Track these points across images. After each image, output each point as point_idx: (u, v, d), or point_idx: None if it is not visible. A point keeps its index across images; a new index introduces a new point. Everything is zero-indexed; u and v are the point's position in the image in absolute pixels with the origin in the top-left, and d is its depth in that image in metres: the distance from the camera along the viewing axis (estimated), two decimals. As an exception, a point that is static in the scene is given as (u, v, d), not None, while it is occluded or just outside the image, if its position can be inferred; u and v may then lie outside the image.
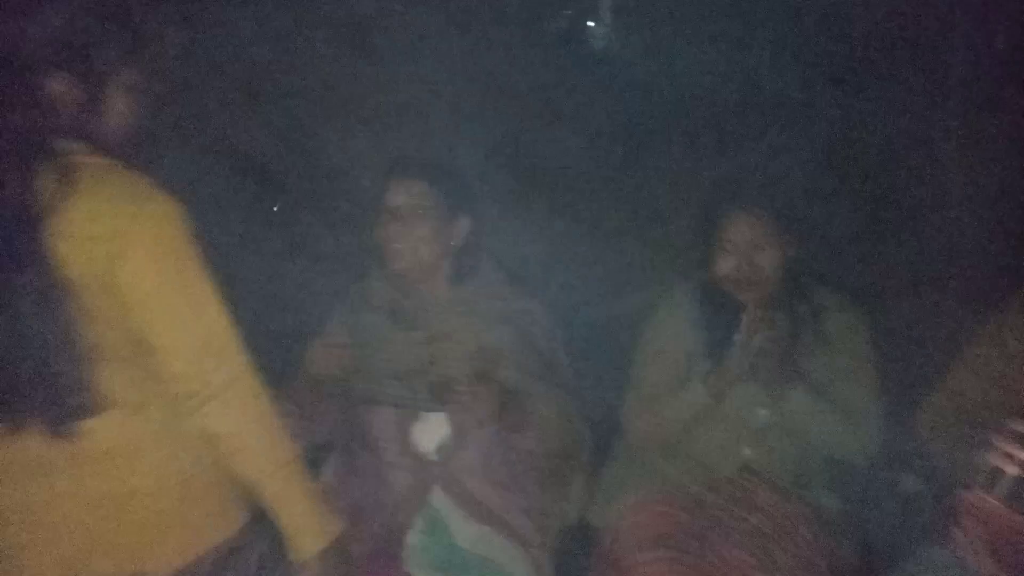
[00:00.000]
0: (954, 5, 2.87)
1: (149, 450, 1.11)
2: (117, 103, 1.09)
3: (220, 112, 2.75)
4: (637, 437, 1.75)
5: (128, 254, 1.01)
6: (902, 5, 3.02)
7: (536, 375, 1.66)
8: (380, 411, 1.64)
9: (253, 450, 1.11)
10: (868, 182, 3.13)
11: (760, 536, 1.56)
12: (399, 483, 1.62)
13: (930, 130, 3.05)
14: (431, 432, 1.63)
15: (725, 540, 1.56)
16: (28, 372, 1.01)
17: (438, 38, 3.18)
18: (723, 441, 1.69)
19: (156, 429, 1.11)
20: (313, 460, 1.76)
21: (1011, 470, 1.15)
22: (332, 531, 1.18)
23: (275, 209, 3.01)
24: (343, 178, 2.76)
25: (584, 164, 3.58)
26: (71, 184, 1.00)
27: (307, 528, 1.15)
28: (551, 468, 1.71)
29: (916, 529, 1.42)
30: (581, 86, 4.03)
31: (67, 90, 1.04)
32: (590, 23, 6.68)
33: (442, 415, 1.62)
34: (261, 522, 1.20)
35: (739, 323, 1.56)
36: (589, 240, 3.18)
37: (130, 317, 1.04)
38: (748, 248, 1.63)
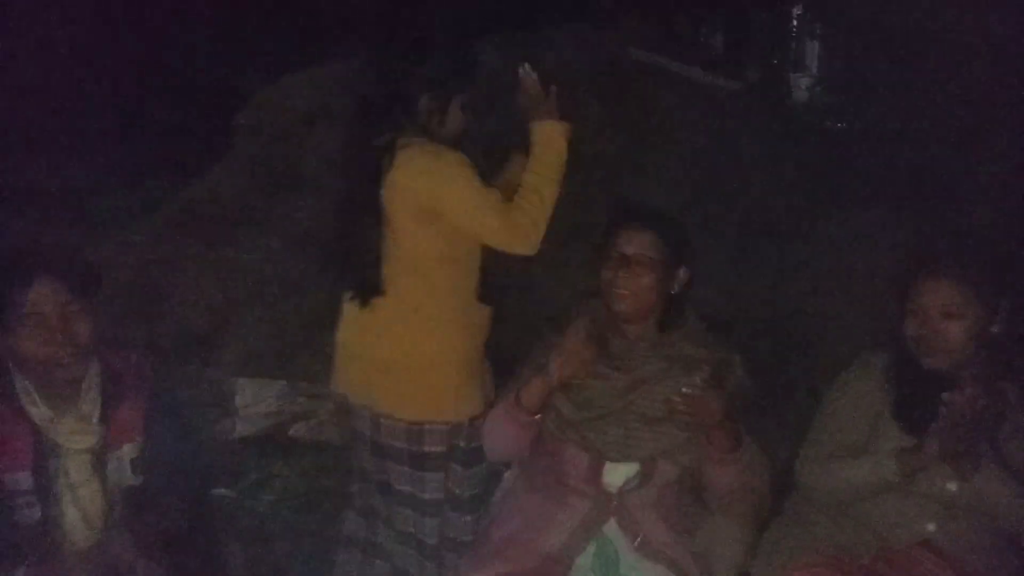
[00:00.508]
0: None
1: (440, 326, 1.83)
2: (455, 114, 1.82)
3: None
4: (808, 491, 1.75)
5: (442, 192, 1.74)
6: None
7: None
8: (573, 447, 1.74)
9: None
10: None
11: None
12: (578, 509, 1.72)
13: None
14: (620, 470, 1.72)
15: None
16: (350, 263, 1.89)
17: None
18: (905, 512, 1.65)
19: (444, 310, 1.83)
20: (495, 471, 1.97)
21: None
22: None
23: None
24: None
25: (777, 216, 3.57)
26: (395, 157, 1.75)
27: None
28: (740, 512, 1.74)
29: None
30: (780, 136, 4.03)
31: (429, 105, 1.79)
32: (795, 73, 6.59)
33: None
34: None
35: (942, 399, 1.51)
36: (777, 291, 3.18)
37: (441, 222, 1.76)
38: (937, 314, 1.60)
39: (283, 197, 3.33)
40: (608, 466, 1.71)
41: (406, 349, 1.83)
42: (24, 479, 1.49)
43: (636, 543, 1.69)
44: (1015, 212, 2.95)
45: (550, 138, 1.78)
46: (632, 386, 1.72)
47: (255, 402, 2.70)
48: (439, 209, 1.75)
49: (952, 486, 1.61)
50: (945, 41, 3.68)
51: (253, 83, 3.75)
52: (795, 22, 6.89)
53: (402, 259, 1.82)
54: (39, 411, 1.50)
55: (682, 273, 1.78)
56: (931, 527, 1.64)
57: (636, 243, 1.72)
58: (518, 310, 2.57)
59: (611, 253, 1.74)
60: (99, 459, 1.54)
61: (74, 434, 1.51)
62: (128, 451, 1.57)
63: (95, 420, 1.53)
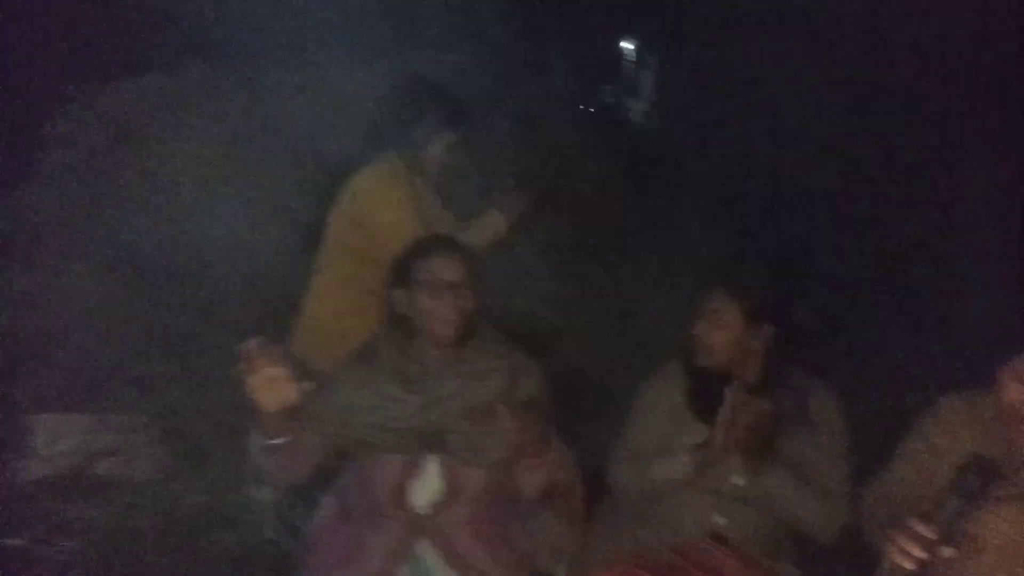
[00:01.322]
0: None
1: None
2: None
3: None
4: (619, 492, 1.85)
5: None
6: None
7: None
8: (383, 463, 1.73)
9: None
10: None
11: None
12: (390, 533, 1.72)
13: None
14: (426, 488, 1.73)
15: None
16: None
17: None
18: (696, 507, 1.77)
19: None
20: (311, 499, 1.91)
21: (908, 566, 1.18)
22: None
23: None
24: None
25: (607, 232, 3.75)
26: None
27: None
28: (545, 518, 1.79)
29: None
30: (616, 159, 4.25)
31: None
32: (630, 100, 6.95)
33: (438, 473, 1.72)
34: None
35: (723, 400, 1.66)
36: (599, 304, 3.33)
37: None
38: (711, 321, 1.77)
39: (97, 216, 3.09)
40: (415, 485, 1.71)
41: None
42: None
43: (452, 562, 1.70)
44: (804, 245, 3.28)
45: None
46: (430, 405, 1.74)
47: (54, 440, 2.47)
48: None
49: (739, 480, 1.74)
50: (772, 76, 4.05)
51: (66, 89, 3.44)
52: (633, 52, 7.32)
53: None
54: None
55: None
56: (720, 520, 1.76)
57: (452, 268, 1.75)
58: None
59: (426, 279, 1.75)
60: None
61: None
62: None
63: None
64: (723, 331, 1.76)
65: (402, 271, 1.78)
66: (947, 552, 1.18)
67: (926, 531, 1.17)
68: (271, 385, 1.51)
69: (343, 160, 2.32)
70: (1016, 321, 1.27)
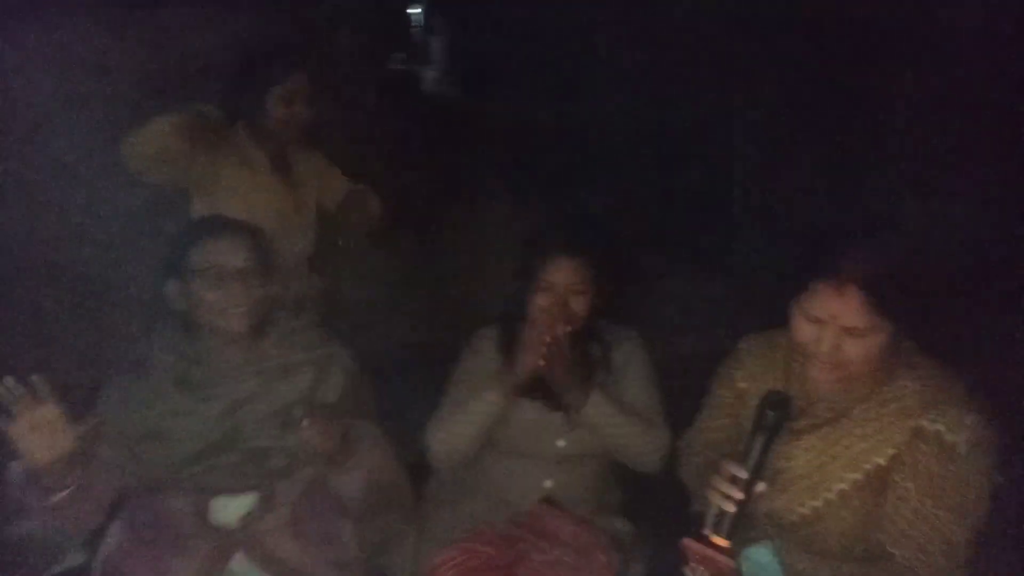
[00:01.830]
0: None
1: None
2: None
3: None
4: (438, 459, 1.76)
5: None
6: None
7: (351, 413, 1.64)
8: (172, 495, 1.55)
9: None
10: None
11: (562, 566, 1.61)
12: (196, 555, 1.53)
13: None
14: (233, 503, 1.57)
15: (530, 573, 1.59)
16: None
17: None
18: (523, 474, 1.75)
19: None
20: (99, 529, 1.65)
21: (730, 508, 1.21)
22: None
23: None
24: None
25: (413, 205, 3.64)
26: None
27: None
28: (372, 514, 1.68)
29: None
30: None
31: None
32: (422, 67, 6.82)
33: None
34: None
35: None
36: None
37: None
38: (565, 290, 1.70)
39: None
40: (218, 506, 1.54)
41: None
42: None
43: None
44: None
45: None
46: (232, 409, 1.56)
47: None
48: None
49: (561, 443, 1.74)
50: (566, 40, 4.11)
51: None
52: (420, 17, 7.17)
53: None
54: None
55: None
56: (548, 483, 1.76)
57: (236, 254, 1.57)
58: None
59: (205, 267, 1.56)
60: None
61: None
62: None
63: None
64: (581, 296, 1.71)
65: (175, 260, 1.57)
66: (760, 487, 1.24)
67: (739, 471, 1.22)
68: (40, 432, 1.29)
69: None
70: (800, 262, 1.35)
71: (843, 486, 1.32)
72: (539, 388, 1.71)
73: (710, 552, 1.17)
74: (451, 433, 1.73)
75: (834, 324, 1.25)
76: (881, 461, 1.30)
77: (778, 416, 1.22)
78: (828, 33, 2.85)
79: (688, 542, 1.17)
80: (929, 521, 1.23)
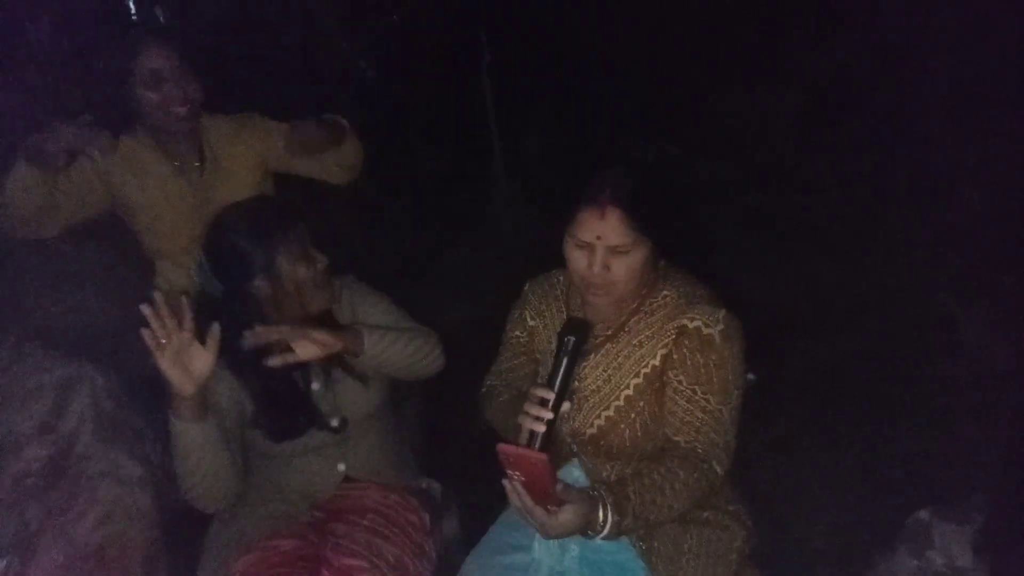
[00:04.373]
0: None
1: None
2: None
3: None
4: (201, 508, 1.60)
5: None
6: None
7: (99, 439, 1.43)
8: None
9: None
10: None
11: (374, 534, 1.57)
12: None
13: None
14: None
15: (338, 553, 1.53)
16: None
17: None
18: (316, 470, 1.69)
19: None
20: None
21: (540, 428, 1.28)
22: None
23: None
24: None
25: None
26: None
27: None
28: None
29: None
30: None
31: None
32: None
33: None
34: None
35: None
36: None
37: None
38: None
39: None
40: None
41: None
42: None
43: None
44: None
45: None
46: None
47: None
48: None
49: (334, 422, 1.66)
50: None
51: None
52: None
53: None
54: None
55: None
56: (341, 467, 1.71)
57: None
58: None
59: None
60: None
61: None
62: None
63: None
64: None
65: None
66: (566, 407, 1.33)
67: (547, 393, 1.29)
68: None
69: None
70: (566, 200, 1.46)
71: (628, 392, 1.45)
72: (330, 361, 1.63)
73: (523, 450, 1.21)
74: (183, 481, 1.53)
75: (600, 245, 1.36)
76: (656, 362, 1.45)
77: (578, 340, 1.32)
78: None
79: (503, 446, 1.20)
80: (700, 405, 1.40)
